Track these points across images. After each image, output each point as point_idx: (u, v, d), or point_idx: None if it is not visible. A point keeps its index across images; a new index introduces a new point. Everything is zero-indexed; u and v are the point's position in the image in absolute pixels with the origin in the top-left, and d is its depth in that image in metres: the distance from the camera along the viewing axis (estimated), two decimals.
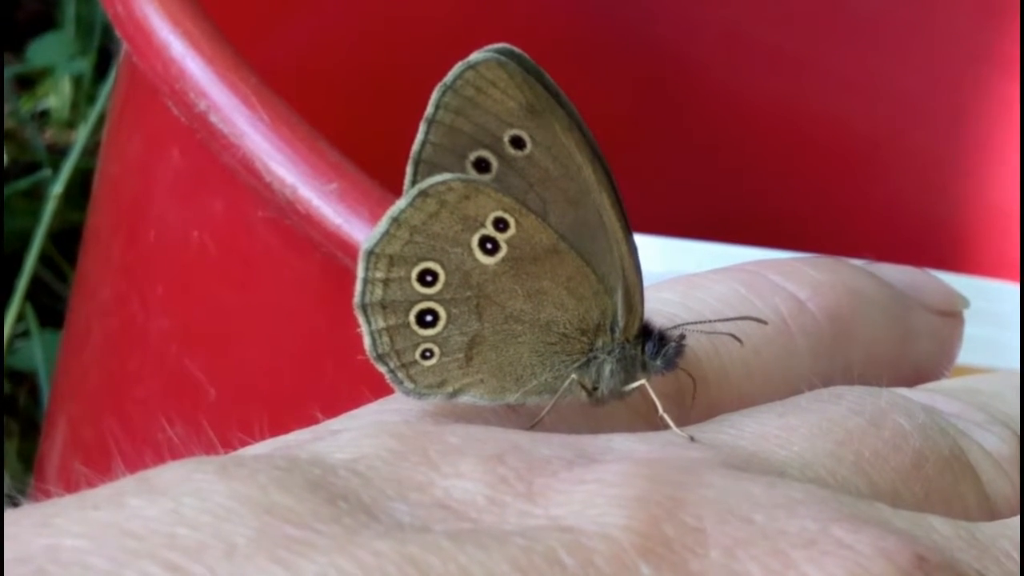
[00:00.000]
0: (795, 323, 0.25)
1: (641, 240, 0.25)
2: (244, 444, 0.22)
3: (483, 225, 0.23)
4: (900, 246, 0.30)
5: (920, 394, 0.25)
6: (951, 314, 0.28)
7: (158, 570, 0.18)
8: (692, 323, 0.24)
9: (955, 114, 0.55)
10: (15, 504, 0.19)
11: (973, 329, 0.30)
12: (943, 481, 0.23)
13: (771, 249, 0.36)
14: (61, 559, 0.18)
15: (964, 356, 0.29)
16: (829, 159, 0.56)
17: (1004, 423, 0.25)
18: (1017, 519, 0.22)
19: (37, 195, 0.62)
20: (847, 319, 0.26)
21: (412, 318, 0.23)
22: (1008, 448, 0.24)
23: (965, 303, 0.28)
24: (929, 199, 0.55)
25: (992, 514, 0.23)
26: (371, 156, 0.39)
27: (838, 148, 0.56)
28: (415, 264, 0.23)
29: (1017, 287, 0.43)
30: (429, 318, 0.23)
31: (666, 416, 0.23)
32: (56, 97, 0.67)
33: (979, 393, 0.25)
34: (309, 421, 0.23)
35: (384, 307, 0.23)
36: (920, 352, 0.27)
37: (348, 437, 0.21)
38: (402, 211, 0.23)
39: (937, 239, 0.54)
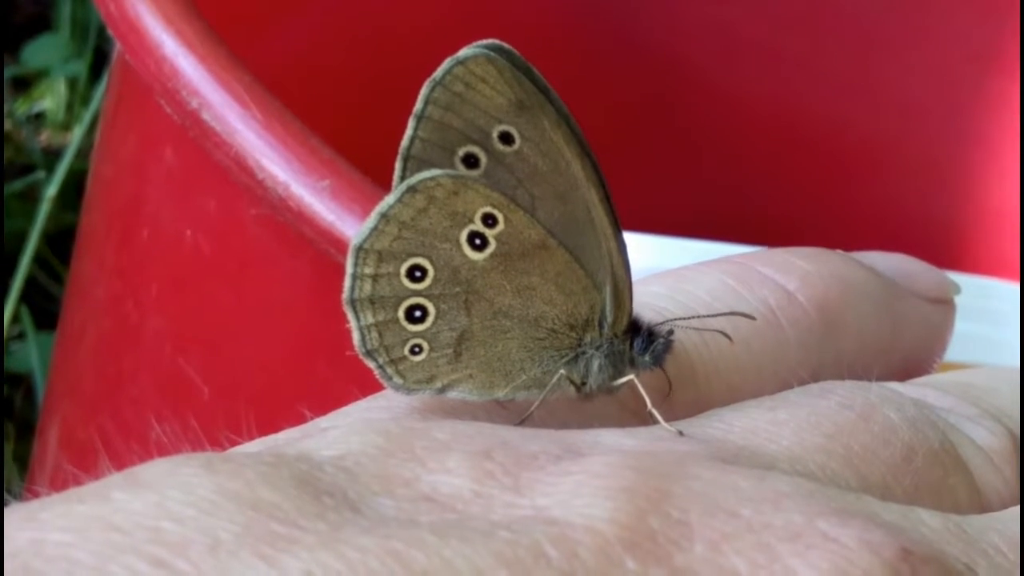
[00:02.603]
0: (784, 315, 0.25)
1: (633, 238, 0.25)
2: (233, 444, 0.22)
3: (472, 221, 0.23)
4: (897, 245, 0.30)
5: (911, 388, 0.25)
6: (942, 301, 0.28)
7: (143, 565, 0.18)
8: (681, 319, 0.24)
9: (953, 113, 0.55)
10: (5, 504, 0.19)
11: (972, 327, 0.30)
12: (933, 475, 0.23)
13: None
14: (46, 553, 0.18)
15: (962, 354, 0.29)
16: (825, 158, 0.56)
17: (995, 417, 0.25)
18: (1006, 512, 0.22)
19: (32, 197, 0.62)
20: (836, 309, 0.26)
21: (401, 314, 0.23)
22: (999, 442, 0.24)
23: (956, 289, 0.28)
24: (927, 198, 0.55)
25: (982, 508, 0.23)
26: (364, 153, 0.39)
27: (834, 147, 0.56)
28: (404, 260, 0.23)
29: (1016, 286, 0.43)
30: (418, 314, 0.23)
31: (655, 411, 0.23)
32: (51, 99, 0.67)
33: (971, 387, 0.25)
34: (300, 419, 0.23)
35: (373, 303, 0.23)
36: (911, 340, 0.27)
37: (336, 434, 0.21)
38: (391, 207, 0.23)
39: (935, 238, 0.54)
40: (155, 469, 0.19)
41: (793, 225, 0.55)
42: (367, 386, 0.24)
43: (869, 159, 0.56)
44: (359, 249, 0.23)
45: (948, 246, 0.54)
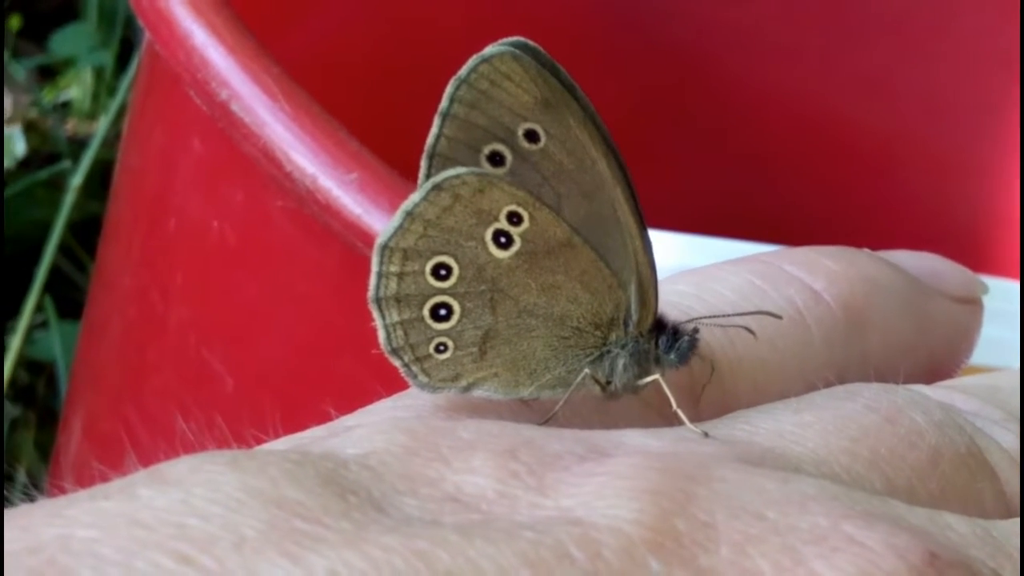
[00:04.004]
0: (810, 314, 0.25)
1: (657, 235, 0.25)
2: (259, 441, 0.22)
3: (497, 219, 0.23)
4: (922, 245, 0.30)
5: (938, 391, 0.25)
6: (970, 300, 0.27)
7: (168, 561, 0.18)
8: (706, 317, 0.24)
9: (961, 113, 0.55)
10: (30, 498, 0.20)
11: (989, 330, 0.29)
12: (959, 478, 0.23)
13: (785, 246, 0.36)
14: (72, 549, 0.18)
15: (979, 356, 0.29)
16: (846, 157, 0.56)
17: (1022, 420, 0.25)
18: None
19: (57, 186, 0.63)
20: (863, 309, 0.26)
21: (426, 312, 0.23)
22: None
23: (984, 289, 0.28)
24: (949, 198, 0.55)
25: (1009, 512, 0.23)
26: (391, 147, 0.39)
27: (856, 146, 0.56)
28: (429, 258, 0.23)
29: (1017, 285, 0.43)
30: (443, 312, 0.23)
31: (680, 411, 0.23)
32: (78, 88, 0.67)
33: (998, 390, 0.25)
34: (325, 416, 0.23)
35: (398, 301, 0.23)
36: (938, 340, 0.27)
37: (361, 433, 0.21)
38: (416, 205, 0.23)
39: (939, 236, 0.54)
40: (180, 466, 0.19)
41: (810, 222, 0.55)
42: (392, 381, 0.24)
43: (891, 158, 0.55)
44: (384, 247, 0.23)
45: (951, 244, 0.54)
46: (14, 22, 0.69)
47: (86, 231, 0.60)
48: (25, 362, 0.60)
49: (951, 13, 0.54)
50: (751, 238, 0.43)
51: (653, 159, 0.55)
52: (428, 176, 0.23)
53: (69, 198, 0.59)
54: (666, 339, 0.24)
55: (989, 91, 0.54)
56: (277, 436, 0.22)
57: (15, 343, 0.58)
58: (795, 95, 0.56)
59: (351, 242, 0.35)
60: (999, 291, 0.41)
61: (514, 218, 0.23)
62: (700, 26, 0.55)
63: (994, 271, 0.53)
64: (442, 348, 0.23)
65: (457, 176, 0.23)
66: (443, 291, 0.23)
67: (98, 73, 0.67)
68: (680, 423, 0.23)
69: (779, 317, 0.25)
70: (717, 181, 0.56)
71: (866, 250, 0.27)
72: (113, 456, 0.42)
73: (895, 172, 0.55)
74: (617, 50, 0.55)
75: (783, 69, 0.55)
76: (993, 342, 0.38)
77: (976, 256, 0.54)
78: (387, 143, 0.40)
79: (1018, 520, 0.22)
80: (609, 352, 0.24)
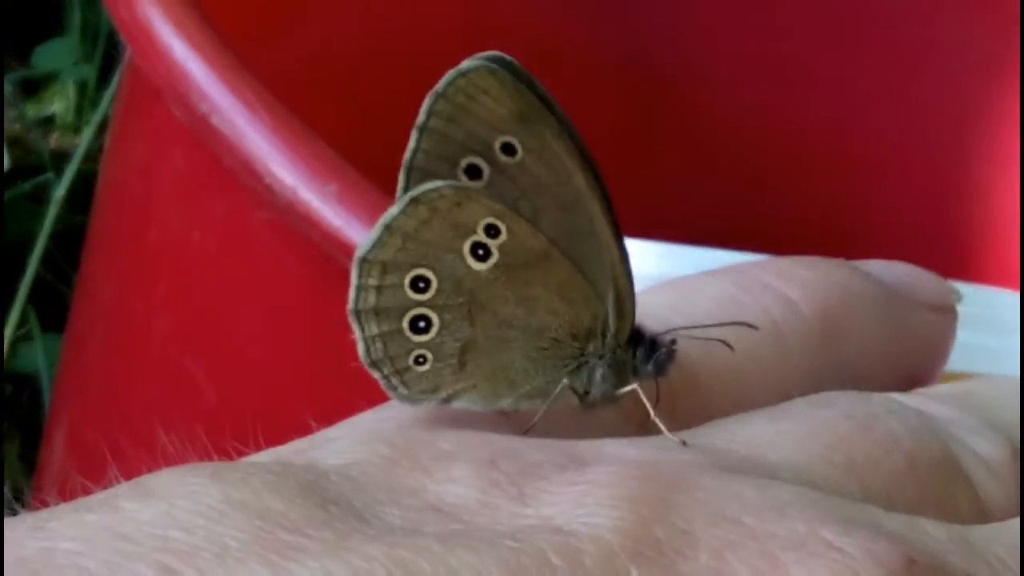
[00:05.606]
0: (786, 324, 0.25)
1: (637, 244, 0.25)
2: (240, 454, 0.22)
3: (474, 231, 0.23)
4: (899, 254, 0.30)
5: (913, 398, 0.25)
6: (944, 308, 0.28)
7: (151, 573, 0.18)
8: (684, 328, 0.24)
9: (956, 122, 0.55)
10: (13, 513, 0.20)
11: (973, 336, 0.30)
12: (935, 484, 0.23)
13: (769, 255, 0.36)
14: (55, 562, 0.18)
15: (964, 364, 0.29)
16: (830, 166, 0.56)
17: (997, 427, 0.25)
18: (1008, 524, 0.22)
19: (40, 198, 0.63)
20: (838, 318, 0.26)
21: (405, 324, 0.23)
22: (1000, 452, 0.24)
23: (958, 297, 0.28)
24: (929, 207, 0.55)
25: (984, 518, 0.23)
26: (370, 159, 0.39)
27: (839, 155, 0.56)
28: (408, 271, 0.23)
29: (1017, 295, 0.43)
30: (422, 324, 0.23)
31: (658, 420, 0.23)
32: (61, 102, 0.67)
33: (973, 397, 0.25)
34: (305, 426, 0.23)
35: (377, 313, 0.23)
36: (913, 348, 0.27)
37: (342, 444, 0.21)
38: (394, 218, 0.23)
39: (937, 246, 0.54)
40: (163, 478, 0.19)
41: (797, 233, 0.55)
42: (373, 393, 0.24)
43: (876, 168, 0.56)
44: (363, 260, 0.23)
45: (949, 254, 0.54)
46: None
47: (69, 243, 0.60)
48: (9, 374, 0.60)
49: (942, 19, 0.54)
50: (734, 247, 0.43)
51: (635, 167, 0.55)
52: (406, 189, 0.23)
53: (52, 210, 0.59)
54: (644, 350, 0.24)
55: (986, 99, 0.54)
56: (259, 448, 0.22)
57: None
58: (778, 103, 0.56)
59: (331, 253, 0.36)
60: (998, 302, 0.41)
61: (492, 231, 0.23)
62: (681, 34, 0.55)
63: (994, 281, 0.53)
64: (421, 360, 0.23)
65: (435, 189, 0.23)
66: (422, 303, 0.23)
67: (81, 87, 0.67)
68: (658, 432, 0.23)
69: (755, 328, 0.25)
70: (698, 189, 0.56)
71: (841, 260, 0.27)
72: (96, 468, 0.42)
73: (888, 182, 0.56)
74: (597, 57, 0.55)
75: (767, 78, 0.56)
76: (992, 352, 0.38)
77: (975, 266, 0.54)
78: (366, 155, 0.40)
79: (994, 526, 0.22)
80: (587, 363, 0.24)
